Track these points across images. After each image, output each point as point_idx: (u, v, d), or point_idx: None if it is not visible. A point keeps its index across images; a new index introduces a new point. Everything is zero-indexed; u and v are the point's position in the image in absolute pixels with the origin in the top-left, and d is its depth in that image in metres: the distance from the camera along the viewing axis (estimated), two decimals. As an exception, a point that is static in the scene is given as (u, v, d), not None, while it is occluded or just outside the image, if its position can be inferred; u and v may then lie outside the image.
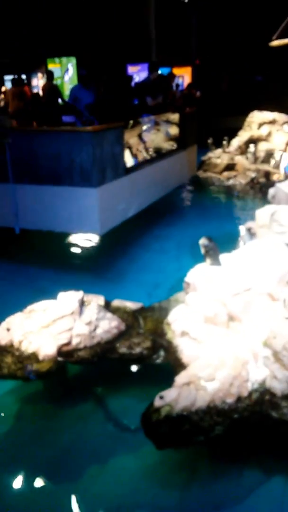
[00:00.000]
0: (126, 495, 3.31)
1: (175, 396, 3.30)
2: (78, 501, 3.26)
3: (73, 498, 3.28)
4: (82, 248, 7.52)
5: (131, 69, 15.92)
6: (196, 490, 3.38)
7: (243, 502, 3.26)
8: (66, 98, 11.30)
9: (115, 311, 4.67)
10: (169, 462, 3.52)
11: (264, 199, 7.17)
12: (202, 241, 4.49)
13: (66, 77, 15.95)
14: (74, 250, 7.52)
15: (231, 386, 3.33)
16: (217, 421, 3.23)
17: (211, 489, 3.36)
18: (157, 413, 3.25)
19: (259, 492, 3.30)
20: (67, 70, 15.83)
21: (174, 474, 3.48)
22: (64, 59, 15.83)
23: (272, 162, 11.03)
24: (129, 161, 7.89)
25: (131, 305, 4.82)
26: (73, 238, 7.62)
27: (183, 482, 3.42)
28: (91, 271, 6.62)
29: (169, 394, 3.33)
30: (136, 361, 4.28)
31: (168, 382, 3.52)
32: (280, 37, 10.82)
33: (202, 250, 4.51)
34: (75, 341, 4.16)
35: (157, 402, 3.30)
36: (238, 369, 3.43)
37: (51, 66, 15.76)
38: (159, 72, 9.40)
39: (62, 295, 4.52)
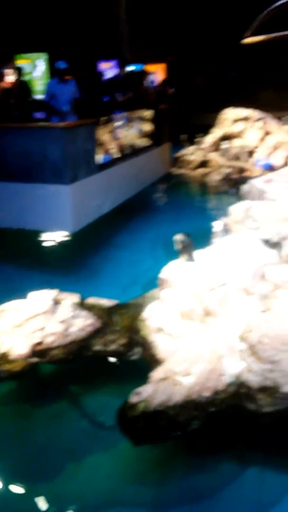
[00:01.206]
0: (103, 493, 3.26)
1: (152, 392, 3.27)
2: (53, 500, 3.19)
3: (48, 497, 3.21)
4: (55, 246, 7.41)
5: (104, 66, 15.82)
6: (173, 485, 3.35)
7: (220, 493, 3.25)
8: (37, 94, 11.13)
9: (90, 308, 4.62)
10: (145, 458, 3.49)
11: (238, 195, 7.21)
12: (179, 237, 4.47)
13: (36, 73, 15.72)
14: (47, 248, 7.41)
15: (208, 380, 3.32)
16: (194, 415, 3.21)
17: (188, 483, 3.35)
18: (133, 409, 3.22)
19: (236, 483, 3.30)
20: (35, 66, 15.61)
21: (151, 470, 3.45)
22: (34, 55, 15.59)
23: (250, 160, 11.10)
24: (102, 158, 7.83)
25: (106, 302, 4.77)
26: (45, 236, 7.50)
27: (159, 477, 3.39)
28: (64, 269, 6.52)
29: (145, 390, 3.30)
30: (111, 359, 4.25)
31: (144, 378, 3.50)
32: (253, 35, 10.91)
33: (178, 246, 4.49)
34: (48, 340, 4.09)
35: (133, 398, 3.26)
36: (214, 363, 3.43)
37: (20, 62, 15.50)
38: (130, 68, 9.34)
39: (34, 294, 4.44)
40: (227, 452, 3.50)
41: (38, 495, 3.23)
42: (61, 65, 7.52)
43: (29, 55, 15.53)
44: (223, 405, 3.29)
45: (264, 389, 3.29)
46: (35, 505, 3.15)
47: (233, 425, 3.40)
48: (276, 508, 3.13)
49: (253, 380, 3.33)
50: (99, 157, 7.61)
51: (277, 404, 3.24)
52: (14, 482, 3.35)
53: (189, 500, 3.23)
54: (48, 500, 3.20)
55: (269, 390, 3.26)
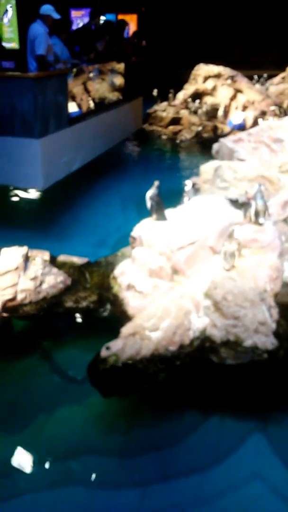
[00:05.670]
0: (73, 442, 3.43)
1: (121, 346, 3.41)
2: (26, 450, 3.34)
3: (22, 447, 3.36)
4: (25, 202, 7.31)
5: (75, 14, 15.09)
6: (139, 434, 3.56)
7: (183, 441, 3.48)
8: (4, 42, 10.57)
9: (61, 266, 4.67)
10: (114, 410, 3.68)
11: (209, 154, 7.23)
12: (155, 184, 4.47)
13: (5, 19, 14.87)
14: (17, 204, 7.30)
15: (174, 334, 3.48)
16: (160, 368, 3.39)
17: (153, 432, 3.56)
18: (104, 363, 3.36)
19: (197, 432, 3.54)
20: (6, 11, 14.74)
21: (119, 420, 3.64)
22: (2, 0, 14.67)
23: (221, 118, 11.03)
24: (73, 111, 7.62)
25: (77, 260, 4.83)
26: (15, 192, 7.37)
27: (127, 427, 3.58)
28: (35, 226, 6.48)
29: (115, 344, 3.43)
30: (82, 315, 4.35)
31: (114, 334, 3.62)
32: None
33: (149, 204, 4.51)
34: (20, 297, 4.14)
35: (104, 353, 3.40)
36: (180, 319, 3.58)
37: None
38: (104, 18, 8.93)
39: (5, 251, 4.44)
40: (190, 403, 3.71)
41: (11, 446, 3.37)
42: (54, 14, 6.79)
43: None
44: (188, 358, 3.47)
45: (227, 343, 3.48)
46: (8, 456, 3.29)
47: (197, 378, 3.60)
48: (232, 454, 3.38)
49: (217, 334, 3.51)
50: (70, 111, 7.40)
51: (239, 357, 3.45)
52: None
53: (152, 447, 3.44)
54: (21, 450, 3.34)
55: (232, 344, 3.46)
